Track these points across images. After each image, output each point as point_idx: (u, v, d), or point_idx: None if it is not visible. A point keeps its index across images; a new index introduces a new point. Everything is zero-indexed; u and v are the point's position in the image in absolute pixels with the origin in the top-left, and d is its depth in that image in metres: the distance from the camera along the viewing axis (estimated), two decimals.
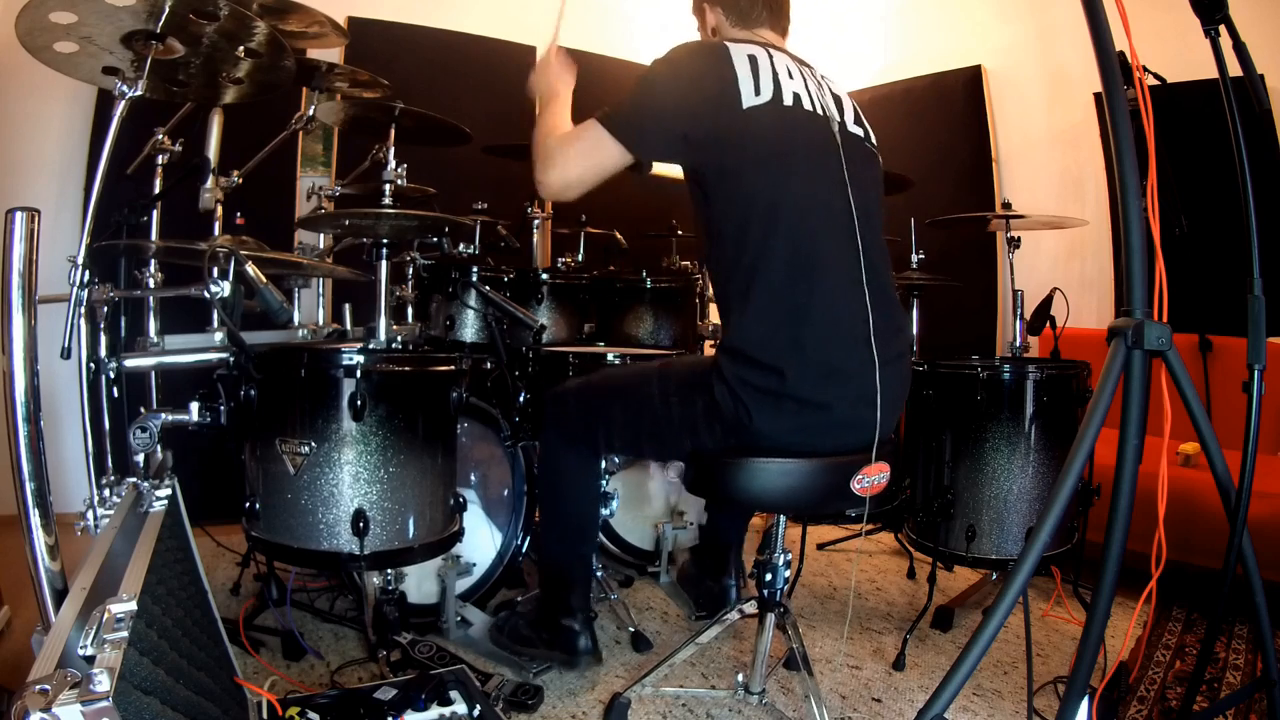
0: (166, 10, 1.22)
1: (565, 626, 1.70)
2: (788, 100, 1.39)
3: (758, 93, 1.37)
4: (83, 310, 1.22)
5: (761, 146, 1.35)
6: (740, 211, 1.36)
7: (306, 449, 1.47)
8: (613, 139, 1.39)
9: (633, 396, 1.56)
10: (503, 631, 1.81)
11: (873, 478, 1.37)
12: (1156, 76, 1.63)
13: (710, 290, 2.65)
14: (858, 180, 1.41)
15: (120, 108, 1.28)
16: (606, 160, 1.41)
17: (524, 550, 2.05)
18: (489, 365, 2.04)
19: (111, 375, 1.37)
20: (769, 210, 1.34)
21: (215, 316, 1.67)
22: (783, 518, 1.52)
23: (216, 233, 2.01)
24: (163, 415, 1.42)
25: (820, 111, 1.43)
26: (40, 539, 1.07)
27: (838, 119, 1.45)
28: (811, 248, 1.35)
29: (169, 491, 1.28)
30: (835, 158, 1.41)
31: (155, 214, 1.88)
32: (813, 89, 1.45)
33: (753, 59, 1.40)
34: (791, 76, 1.43)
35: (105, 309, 1.35)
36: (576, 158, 1.42)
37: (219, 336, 1.63)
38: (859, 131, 1.50)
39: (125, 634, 0.74)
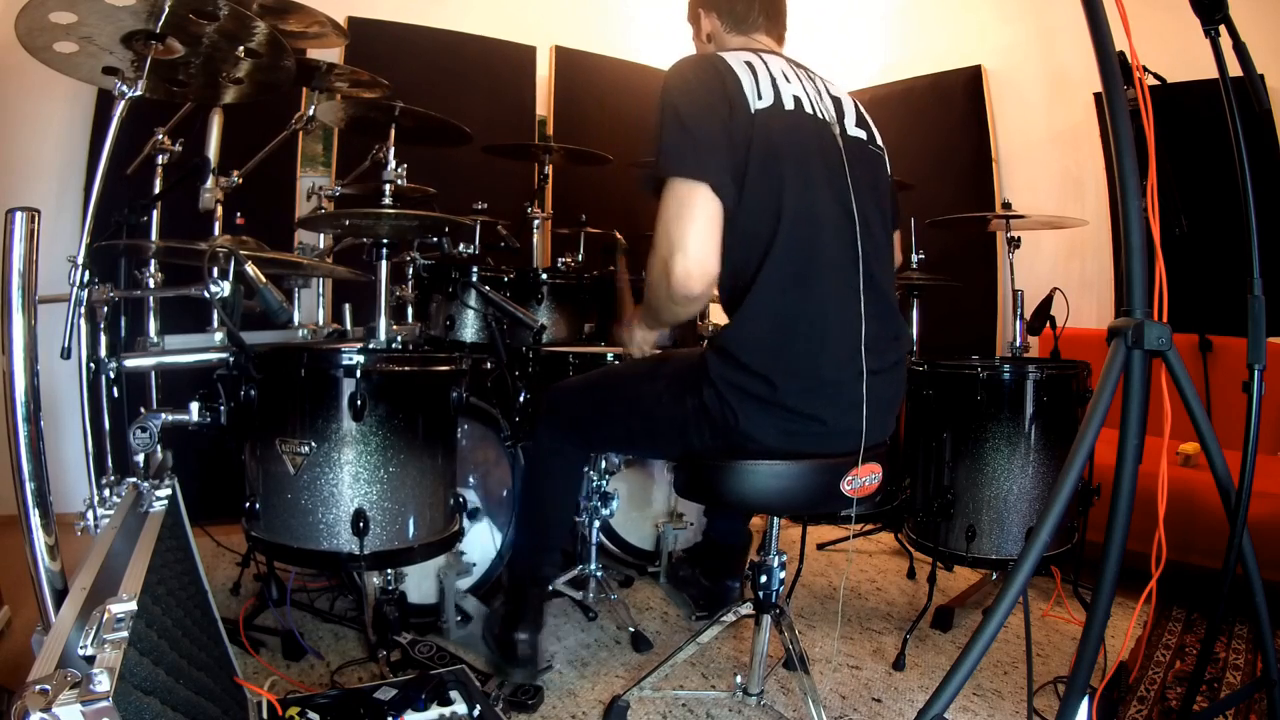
0: (166, 10, 1.22)
1: (513, 637, 1.69)
2: (789, 104, 1.38)
3: (760, 97, 1.36)
4: (83, 310, 1.22)
5: (767, 150, 1.33)
6: (747, 215, 1.34)
7: (306, 449, 1.47)
8: (683, 181, 1.29)
9: (626, 394, 1.56)
10: (485, 625, 1.84)
11: (863, 479, 1.37)
12: (1156, 76, 1.63)
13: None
14: (860, 185, 1.40)
15: (120, 108, 1.28)
16: (698, 205, 1.29)
17: None
18: (489, 365, 2.04)
19: (111, 375, 1.37)
20: (773, 216, 1.33)
21: (215, 316, 1.68)
22: (775, 519, 1.52)
23: (216, 233, 2.01)
24: (163, 415, 1.42)
25: (821, 115, 1.42)
26: (40, 539, 1.07)
27: (838, 123, 1.44)
28: (809, 255, 1.33)
29: (169, 491, 1.28)
30: (838, 163, 1.39)
31: (155, 214, 1.88)
32: (811, 92, 1.43)
33: (749, 65, 1.39)
34: (789, 80, 1.41)
35: (105, 309, 1.35)
36: (675, 229, 1.30)
37: (219, 336, 1.63)
38: (861, 134, 1.48)
39: (125, 634, 0.74)
